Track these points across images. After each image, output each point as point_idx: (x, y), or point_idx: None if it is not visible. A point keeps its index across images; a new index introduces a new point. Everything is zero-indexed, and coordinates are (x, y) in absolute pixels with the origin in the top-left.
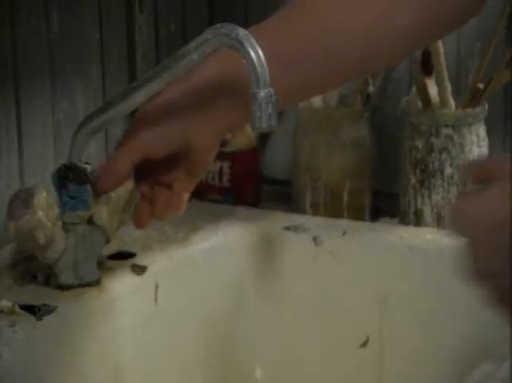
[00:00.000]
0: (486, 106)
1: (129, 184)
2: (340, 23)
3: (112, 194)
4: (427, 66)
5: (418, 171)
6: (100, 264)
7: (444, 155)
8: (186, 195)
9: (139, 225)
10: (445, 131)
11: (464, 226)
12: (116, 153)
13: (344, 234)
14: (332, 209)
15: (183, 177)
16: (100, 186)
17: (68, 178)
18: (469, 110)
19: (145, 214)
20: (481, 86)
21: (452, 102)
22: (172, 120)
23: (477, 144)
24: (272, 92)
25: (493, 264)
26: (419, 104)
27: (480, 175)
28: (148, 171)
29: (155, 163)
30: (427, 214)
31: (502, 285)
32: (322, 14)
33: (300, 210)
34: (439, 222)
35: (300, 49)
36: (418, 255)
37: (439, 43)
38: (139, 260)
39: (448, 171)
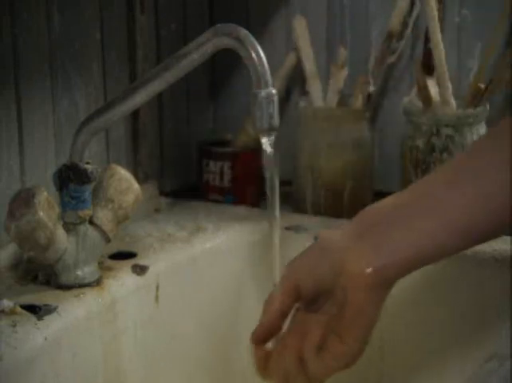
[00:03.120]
0: (488, 106)
1: (136, 190)
2: None
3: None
4: (428, 66)
5: (419, 171)
6: (101, 264)
7: (445, 156)
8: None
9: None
10: (446, 131)
11: None
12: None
13: None
14: (332, 209)
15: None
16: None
17: (70, 178)
18: (470, 110)
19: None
20: (482, 86)
21: (453, 102)
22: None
23: None
24: (273, 91)
25: None
26: (420, 104)
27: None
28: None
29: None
30: None
31: None
32: None
33: (300, 210)
34: None
35: None
36: None
37: (440, 42)
38: (140, 260)
39: None
